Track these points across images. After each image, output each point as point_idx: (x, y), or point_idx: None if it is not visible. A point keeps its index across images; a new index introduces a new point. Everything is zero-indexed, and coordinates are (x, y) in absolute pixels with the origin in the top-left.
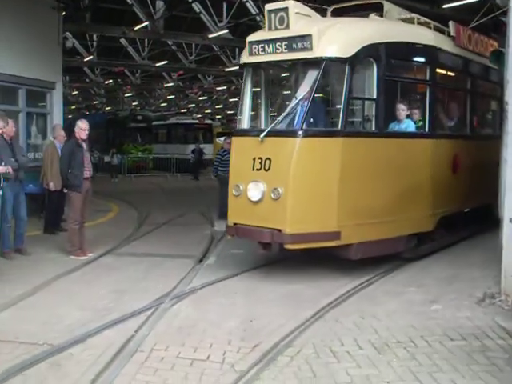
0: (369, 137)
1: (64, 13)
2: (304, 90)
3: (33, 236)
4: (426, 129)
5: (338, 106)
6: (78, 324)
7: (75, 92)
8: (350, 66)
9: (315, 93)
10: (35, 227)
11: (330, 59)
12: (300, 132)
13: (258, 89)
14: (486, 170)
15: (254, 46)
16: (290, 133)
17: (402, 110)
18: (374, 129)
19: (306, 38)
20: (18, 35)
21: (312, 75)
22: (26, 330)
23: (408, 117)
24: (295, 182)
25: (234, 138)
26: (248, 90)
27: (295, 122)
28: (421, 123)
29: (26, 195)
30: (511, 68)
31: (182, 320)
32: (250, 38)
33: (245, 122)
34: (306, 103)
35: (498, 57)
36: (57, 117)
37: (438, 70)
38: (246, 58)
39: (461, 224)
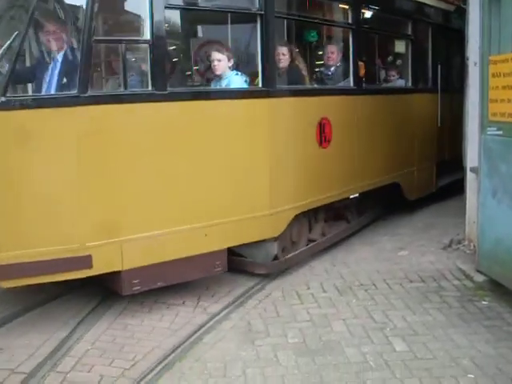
0: (138, 101)
1: None
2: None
3: None
4: (260, 83)
5: (73, 57)
6: None
7: None
8: None
9: (32, 38)
10: None
11: None
12: None
13: None
14: (390, 136)
15: None
16: None
17: (216, 60)
18: (150, 88)
19: None
20: None
21: (26, 8)
22: None
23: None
24: None
25: None
26: None
27: None
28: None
29: None
30: (471, 25)
31: None
32: None
33: None
34: (9, 54)
35: (461, 14)
36: None
37: None
38: None
39: (353, 212)
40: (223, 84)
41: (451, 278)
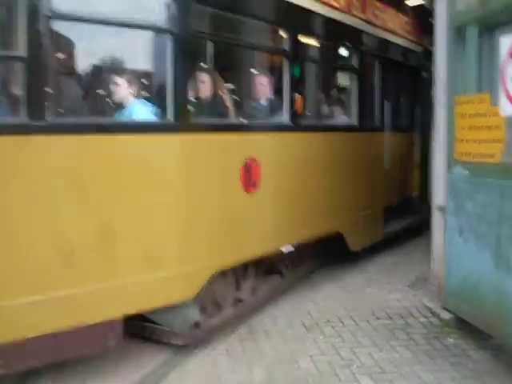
0: (4, 133)
1: None
2: None
3: None
4: (170, 116)
5: None
6: None
7: None
8: None
9: None
10: None
11: None
12: None
13: None
14: (331, 179)
15: None
16: None
17: (114, 83)
18: (24, 118)
19: None
20: None
21: None
22: None
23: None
24: None
25: None
26: None
27: None
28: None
29: None
30: (438, 67)
31: None
32: None
33: None
34: None
35: (427, 55)
36: None
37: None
38: None
39: (288, 265)
40: (125, 115)
41: (418, 316)
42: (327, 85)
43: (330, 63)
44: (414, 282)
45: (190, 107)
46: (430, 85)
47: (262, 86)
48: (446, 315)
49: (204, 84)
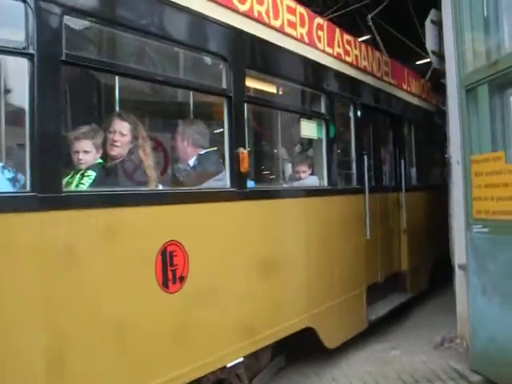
0: None
1: None
2: None
3: None
4: (28, 185)
5: None
6: None
7: None
8: None
9: None
10: None
11: None
12: None
13: None
14: (294, 260)
15: None
16: None
17: None
18: None
19: None
20: None
21: None
22: None
23: None
24: None
25: None
26: None
27: None
28: None
29: None
30: (452, 125)
31: None
32: None
33: None
34: None
35: (441, 114)
36: None
37: None
38: None
39: (243, 376)
40: None
41: (445, 378)
42: (291, 137)
43: (291, 108)
44: (440, 343)
45: (77, 172)
46: (414, 137)
47: (183, 143)
48: (474, 377)
49: (123, 137)
